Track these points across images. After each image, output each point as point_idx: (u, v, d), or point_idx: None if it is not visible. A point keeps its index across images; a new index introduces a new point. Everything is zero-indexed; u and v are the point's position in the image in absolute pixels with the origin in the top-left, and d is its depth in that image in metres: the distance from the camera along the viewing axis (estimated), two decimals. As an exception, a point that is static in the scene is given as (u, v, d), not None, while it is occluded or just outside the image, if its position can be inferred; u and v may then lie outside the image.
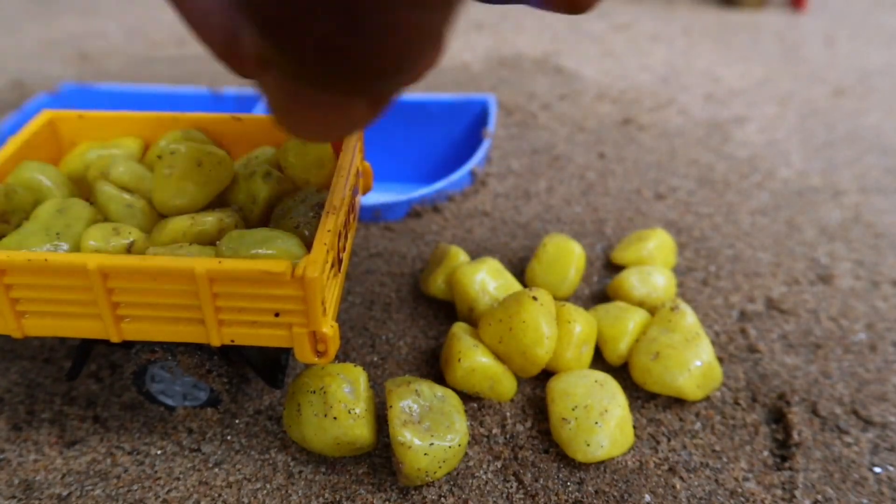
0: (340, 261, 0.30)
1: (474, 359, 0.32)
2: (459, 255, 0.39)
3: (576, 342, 0.33)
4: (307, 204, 0.30)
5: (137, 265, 0.25)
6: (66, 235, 0.27)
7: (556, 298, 0.39)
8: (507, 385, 0.33)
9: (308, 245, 0.28)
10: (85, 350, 0.31)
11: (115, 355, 0.35)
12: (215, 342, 0.27)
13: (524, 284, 0.40)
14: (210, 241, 0.29)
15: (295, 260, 0.26)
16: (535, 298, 0.32)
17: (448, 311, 0.39)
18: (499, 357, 0.33)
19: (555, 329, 0.33)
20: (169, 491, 0.29)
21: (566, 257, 0.40)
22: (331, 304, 0.27)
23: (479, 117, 0.58)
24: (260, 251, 0.26)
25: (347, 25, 0.14)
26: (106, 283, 0.26)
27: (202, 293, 0.25)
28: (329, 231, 0.27)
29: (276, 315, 0.26)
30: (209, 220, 0.29)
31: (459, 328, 0.34)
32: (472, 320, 0.36)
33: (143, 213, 0.30)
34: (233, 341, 0.27)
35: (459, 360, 0.32)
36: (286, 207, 0.30)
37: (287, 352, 0.33)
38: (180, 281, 0.26)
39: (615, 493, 0.29)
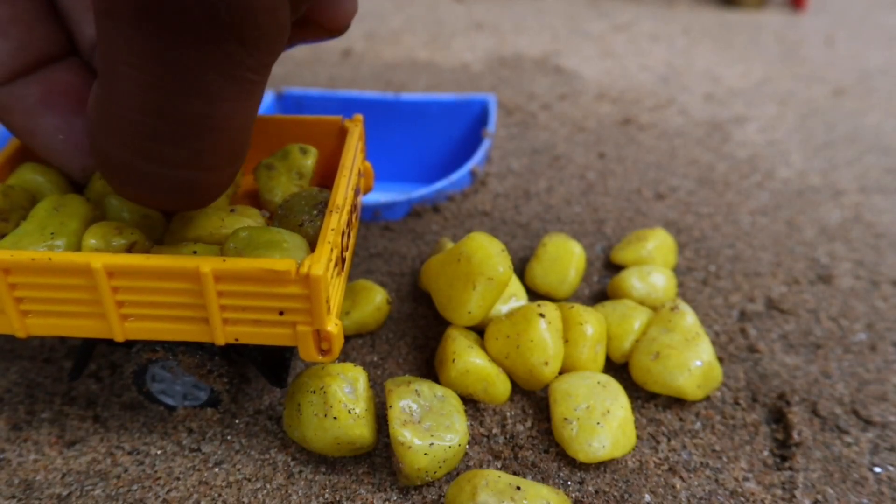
0: (344, 260, 0.30)
1: (468, 360, 0.32)
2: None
3: (590, 343, 0.33)
4: (310, 203, 0.30)
5: (142, 264, 0.25)
6: (60, 233, 0.27)
7: (556, 299, 0.39)
8: (501, 388, 0.33)
9: (312, 244, 0.28)
10: (87, 350, 0.31)
11: (116, 355, 0.35)
12: (219, 341, 0.27)
13: (524, 284, 0.40)
14: (220, 240, 0.29)
15: (299, 259, 0.26)
16: (542, 315, 0.32)
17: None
18: (504, 369, 0.33)
19: (561, 346, 0.33)
20: (169, 491, 0.29)
21: (566, 257, 0.40)
22: (335, 302, 0.27)
23: (479, 117, 0.58)
24: (264, 254, 0.26)
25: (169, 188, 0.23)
26: (110, 283, 0.26)
27: (207, 292, 0.25)
28: (333, 230, 0.27)
29: (281, 314, 0.26)
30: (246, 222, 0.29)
31: (455, 329, 0.34)
32: None
33: (158, 223, 0.30)
34: (237, 340, 0.27)
35: (454, 360, 0.32)
36: (288, 207, 0.30)
37: (291, 350, 0.33)
38: (185, 280, 0.26)
39: (615, 493, 0.29)
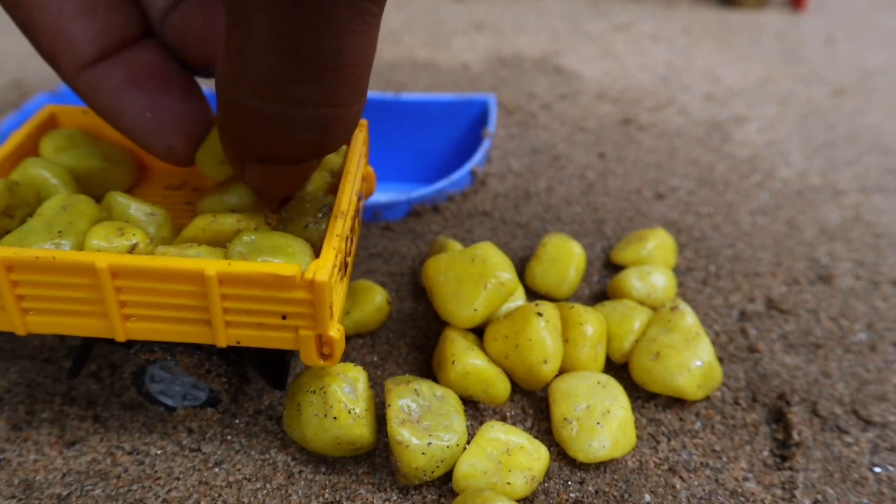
0: (346, 265, 0.30)
1: (468, 361, 0.32)
2: (457, 248, 0.39)
3: (590, 343, 0.33)
4: (315, 206, 0.30)
5: (147, 265, 0.25)
6: (68, 233, 0.27)
7: (555, 299, 0.39)
8: (500, 388, 0.33)
9: (316, 248, 0.28)
10: (86, 349, 0.31)
11: (115, 355, 0.35)
12: (221, 343, 0.27)
13: (524, 285, 0.40)
14: (226, 241, 0.29)
15: (304, 264, 0.26)
16: (540, 314, 0.32)
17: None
18: (503, 370, 0.33)
19: (560, 345, 0.33)
20: (169, 491, 0.29)
21: (566, 257, 0.40)
22: (337, 307, 0.27)
23: (479, 117, 0.57)
24: (269, 259, 0.26)
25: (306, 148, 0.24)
26: (114, 283, 0.26)
27: (211, 295, 0.25)
28: (338, 236, 0.27)
29: (284, 318, 0.26)
30: (228, 221, 0.29)
31: (453, 331, 0.34)
32: None
33: (165, 221, 0.30)
34: (238, 343, 0.27)
35: (453, 362, 0.32)
36: (293, 211, 0.30)
37: (291, 353, 0.33)
38: (189, 282, 0.26)
39: (615, 493, 0.29)
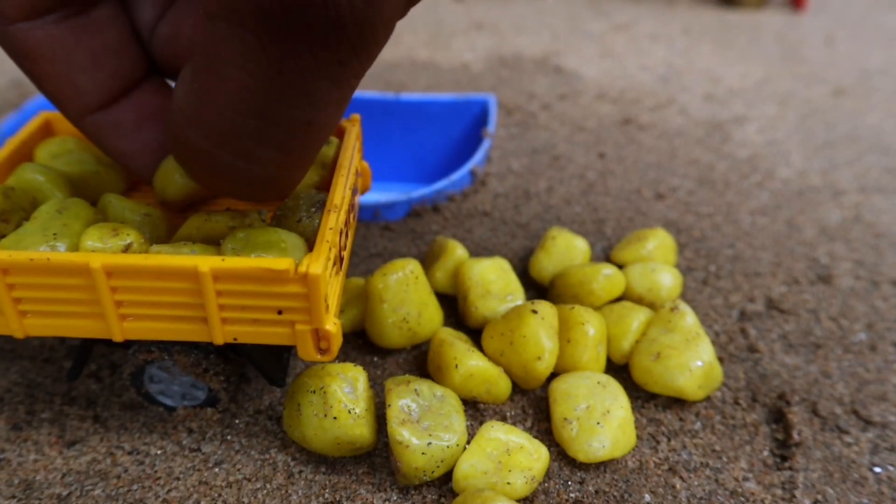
0: (342, 259, 0.30)
1: (470, 363, 0.32)
2: (457, 249, 0.39)
3: (592, 343, 0.33)
4: (308, 202, 0.30)
5: (141, 264, 0.25)
6: (63, 235, 0.27)
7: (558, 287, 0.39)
8: (502, 386, 0.33)
9: (310, 243, 0.28)
10: (86, 350, 0.31)
11: (115, 355, 0.35)
12: (218, 340, 0.27)
13: (529, 276, 0.40)
14: (220, 239, 0.29)
15: (298, 258, 0.26)
16: (535, 312, 0.32)
17: (448, 310, 0.39)
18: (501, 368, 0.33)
19: (556, 342, 0.33)
20: (169, 491, 0.29)
21: (572, 253, 0.40)
22: (333, 301, 0.27)
23: (479, 117, 0.57)
24: (262, 255, 0.26)
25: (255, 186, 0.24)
26: (109, 282, 0.26)
27: (205, 291, 0.25)
28: (331, 229, 0.27)
29: (279, 313, 0.26)
30: (221, 220, 0.29)
31: (446, 333, 0.34)
32: (463, 311, 0.37)
33: (160, 221, 0.30)
34: (235, 339, 0.27)
35: (457, 366, 0.32)
36: (287, 207, 0.30)
37: (289, 350, 0.33)
38: (183, 279, 0.26)
39: (615, 493, 0.29)
